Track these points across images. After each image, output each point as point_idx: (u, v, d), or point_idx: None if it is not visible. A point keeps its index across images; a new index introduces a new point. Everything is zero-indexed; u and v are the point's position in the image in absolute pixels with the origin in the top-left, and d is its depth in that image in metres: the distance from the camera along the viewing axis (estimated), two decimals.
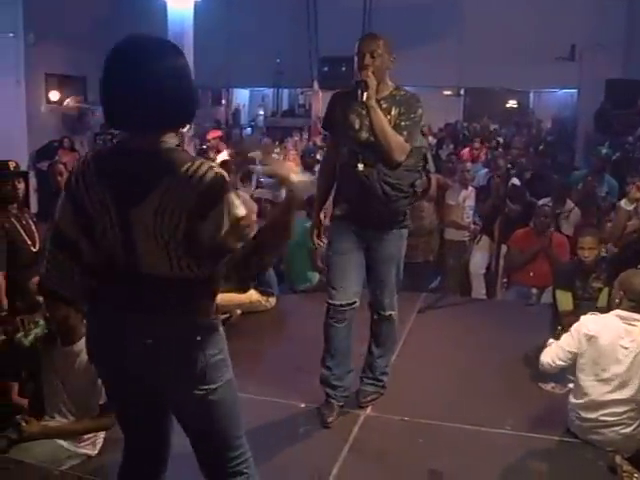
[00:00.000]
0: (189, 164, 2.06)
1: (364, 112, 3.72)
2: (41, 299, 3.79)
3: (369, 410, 4.20)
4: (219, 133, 12.28)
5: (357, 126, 3.79)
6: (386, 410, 4.21)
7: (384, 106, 3.74)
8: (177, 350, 2.19)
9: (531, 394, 4.45)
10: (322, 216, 4.18)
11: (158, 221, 2.07)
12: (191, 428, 2.42)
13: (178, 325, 2.19)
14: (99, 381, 3.49)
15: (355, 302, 3.98)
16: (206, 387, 2.27)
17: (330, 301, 4.01)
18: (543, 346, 4.20)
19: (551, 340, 4.17)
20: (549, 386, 4.48)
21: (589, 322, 3.90)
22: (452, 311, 6.15)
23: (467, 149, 12.37)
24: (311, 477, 3.48)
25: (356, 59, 3.76)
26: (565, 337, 3.96)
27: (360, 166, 3.75)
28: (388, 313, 4.14)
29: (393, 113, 3.74)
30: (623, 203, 5.31)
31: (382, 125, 3.64)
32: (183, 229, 2.07)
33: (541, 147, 13.60)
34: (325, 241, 4.17)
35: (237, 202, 2.11)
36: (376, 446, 3.84)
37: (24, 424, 3.41)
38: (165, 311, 2.18)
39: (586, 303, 5.01)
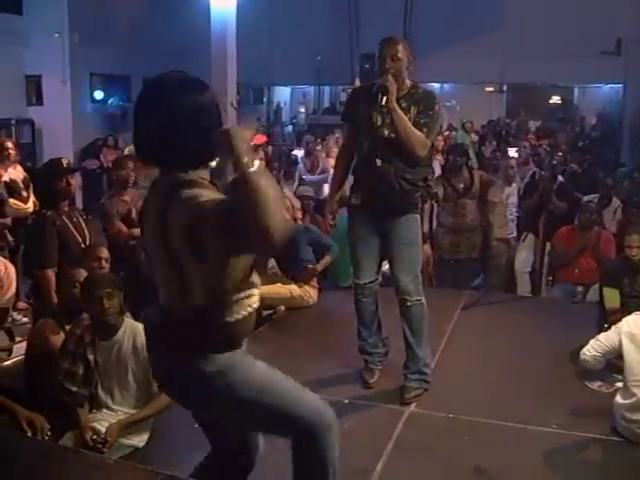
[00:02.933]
0: (187, 192, 2.08)
1: (385, 110, 3.97)
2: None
3: (413, 407, 4.20)
4: (264, 139, 12.30)
5: (379, 123, 4.03)
6: (430, 407, 4.21)
7: (403, 105, 3.97)
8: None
9: (577, 393, 4.40)
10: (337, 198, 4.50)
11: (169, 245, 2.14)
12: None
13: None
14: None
15: (377, 279, 4.39)
16: (230, 407, 2.39)
17: (356, 281, 4.39)
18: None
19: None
20: (596, 385, 4.43)
21: (630, 321, 3.88)
22: (496, 308, 6.11)
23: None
24: (355, 473, 3.49)
25: (377, 63, 4.03)
26: (606, 333, 3.97)
27: (378, 162, 4.02)
28: (415, 299, 4.27)
29: (412, 112, 3.99)
30: None
31: (404, 125, 3.91)
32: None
33: (581, 143, 13.40)
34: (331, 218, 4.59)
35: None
36: (420, 443, 3.83)
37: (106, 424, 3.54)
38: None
39: (634, 301, 4.95)
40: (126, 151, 11.49)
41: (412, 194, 4.12)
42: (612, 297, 5.08)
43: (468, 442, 3.86)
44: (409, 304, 4.28)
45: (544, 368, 4.79)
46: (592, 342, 4.02)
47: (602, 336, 3.97)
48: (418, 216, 4.29)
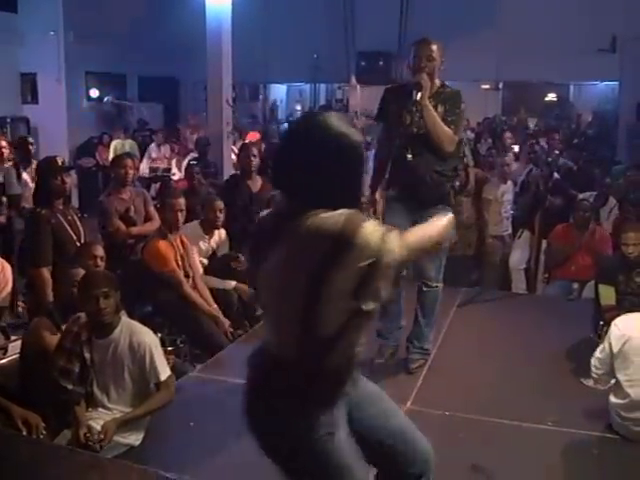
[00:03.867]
0: (308, 223, 1.99)
1: (414, 109, 4.26)
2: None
3: (409, 404, 4.20)
4: (258, 136, 12.31)
5: (408, 121, 4.31)
6: (427, 404, 4.21)
7: (432, 103, 4.23)
8: None
9: (572, 390, 4.41)
10: (377, 196, 4.67)
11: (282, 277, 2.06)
12: None
13: None
14: (147, 365, 3.59)
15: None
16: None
17: None
18: (585, 341, 4.17)
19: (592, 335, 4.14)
20: (591, 382, 4.42)
21: (620, 323, 3.87)
22: (492, 306, 6.12)
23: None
24: None
25: (412, 61, 4.29)
26: (600, 346, 3.94)
27: (409, 156, 4.28)
28: (435, 285, 4.54)
29: (439, 110, 4.25)
30: None
31: (434, 121, 4.19)
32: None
33: (576, 140, 13.40)
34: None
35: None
36: None
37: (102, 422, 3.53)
38: None
39: (629, 298, 4.97)
40: (112, 147, 11.52)
41: (442, 185, 4.38)
42: (607, 294, 5.09)
43: (464, 440, 3.86)
44: (427, 289, 4.55)
45: (539, 365, 4.80)
46: (593, 361, 3.98)
47: (598, 351, 3.95)
48: (449, 209, 4.22)
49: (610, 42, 13.75)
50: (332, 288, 1.96)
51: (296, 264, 2.00)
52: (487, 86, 16.46)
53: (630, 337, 3.74)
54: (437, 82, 4.33)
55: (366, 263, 1.95)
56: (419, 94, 4.15)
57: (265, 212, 2.34)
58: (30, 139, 8.12)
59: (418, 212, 4.20)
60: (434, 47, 4.28)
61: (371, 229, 1.97)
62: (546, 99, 18.42)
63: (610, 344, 3.81)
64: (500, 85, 16.58)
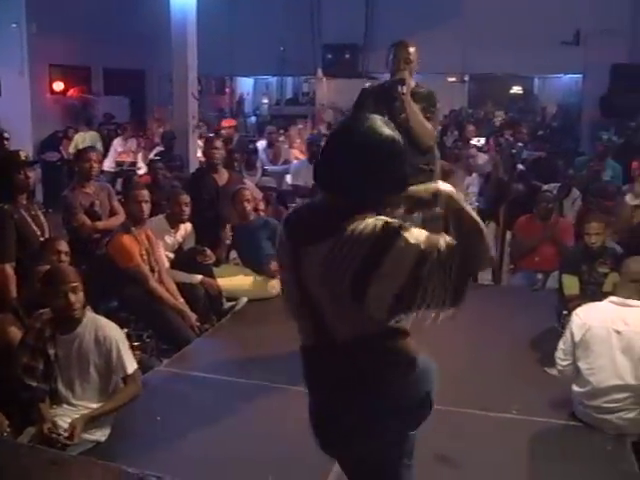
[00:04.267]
0: (361, 223, 2.05)
1: (395, 105, 4.43)
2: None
3: None
4: (233, 122, 12.29)
5: (387, 117, 4.20)
6: None
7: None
8: None
9: (537, 379, 4.46)
10: None
11: (333, 271, 2.06)
12: None
13: None
14: (114, 359, 3.56)
15: None
16: None
17: None
18: (549, 330, 4.22)
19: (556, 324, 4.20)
20: (555, 370, 4.47)
21: (581, 312, 3.93)
22: None
23: None
24: (316, 467, 3.50)
25: (392, 62, 4.55)
26: (562, 338, 3.99)
27: None
28: None
29: (417, 108, 4.41)
30: (628, 198, 5.30)
31: (416, 114, 4.38)
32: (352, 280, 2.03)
33: (541, 132, 13.52)
34: None
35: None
36: None
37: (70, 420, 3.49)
38: None
39: (592, 288, 5.04)
40: (73, 140, 11.37)
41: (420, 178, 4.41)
42: (571, 284, 5.16)
43: (431, 430, 3.87)
44: None
45: (505, 355, 4.85)
46: (557, 354, 4.01)
47: (561, 342, 3.99)
48: None
49: (574, 35, 13.90)
50: (376, 289, 2.02)
51: (342, 264, 2.04)
52: (453, 79, 16.54)
53: (590, 326, 3.80)
54: (412, 83, 4.54)
55: (412, 264, 1.99)
56: (404, 87, 4.40)
57: (300, 204, 2.44)
58: (6, 134, 7.85)
59: None
60: (411, 50, 4.55)
61: (414, 233, 2.04)
62: (511, 92, 18.58)
63: (572, 334, 3.87)
64: (466, 78, 16.67)
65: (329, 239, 2.06)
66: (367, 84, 4.96)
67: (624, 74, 12.37)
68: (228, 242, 6.23)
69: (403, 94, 4.42)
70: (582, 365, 3.83)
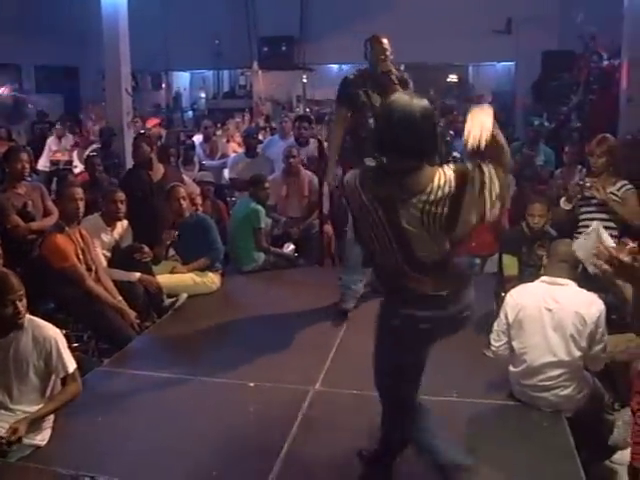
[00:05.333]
0: (440, 172, 2.84)
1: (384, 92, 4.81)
2: None
3: (318, 385, 4.25)
4: (157, 120, 12.17)
5: (378, 104, 4.92)
6: (335, 385, 4.26)
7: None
8: None
9: (476, 361, 4.52)
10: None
11: (428, 215, 2.80)
12: None
13: None
14: (53, 359, 3.49)
15: None
16: None
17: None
18: (487, 314, 4.29)
19: (495, 306, 4.27)
20: (490, 353, 4.56)
21: (514, 293, 4.02)
22: None
23: None
24: (262, 455, 3.51)
25: (370, 55, 5.23)
26: (497, 320, 4.07)
27: None
28: None
29: None
30: (562, 203, 5.42)
31: None
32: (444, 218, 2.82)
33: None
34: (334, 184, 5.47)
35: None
36: (326, 421, 3.88)
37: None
38: None
39: (530, 270, 5.12)
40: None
41: None
42: (510, 264, 5.25)
43: (374, 417, 3.92)
44: None
45: (444, 340, 4.90)
46: (491, 335, 4.09)
47: (495, 324, 4.07)
48: None
49: (505, 24, 14.12)
50: (463, 217, 2.82)
51: (437, 208, 2.80)
52: None
53: (523, 306, 3.90)
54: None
55: (479, 190, 2.81)
56: (393, 77, 5.05)
57: (364, 168, 2.95)
58: None
59: None
60: (385, 41, 5.23)
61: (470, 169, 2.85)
62: (448, 80, 18.77)
63: (506, 314, 3.96)
64: (402, 67, 16.78)
65: (423, 193, 2.79)
66: (350, 75, 5.45)
67: (554, 60, 12.62)
68: (169, 241, 6.17)
69: (395, 84, 4.95)
70: (516, 345, 3.91)
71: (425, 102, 2.88)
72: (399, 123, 2.84)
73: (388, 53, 5.20)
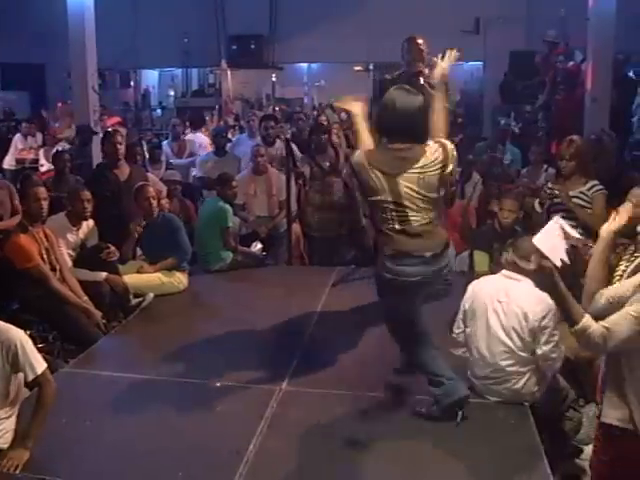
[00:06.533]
0: (429, 147, 3.72)
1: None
2: None
3: (285, 385, 4.24)
4: (117, 119, 12.07)
5: None
6: (302, 384, 4.26)
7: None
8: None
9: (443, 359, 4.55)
10: None
11: (423, 180, 3.65)
12: None
13: None
14: (21, 361, 3.42)
15: None
16: None
17: None
18: (455, 312, 4.32)
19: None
20: (460, 351, 4.57)
21: (474, 283, 4.15)
22: (365, 283, 6.20)
23: None
24: (228, 455, 3.50)
25: (407, 56, 5.45)
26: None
27: None
28: None
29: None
30: (536, 206, 5.47)
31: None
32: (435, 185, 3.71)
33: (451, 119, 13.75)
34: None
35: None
36: (293, 420, 3.88)
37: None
38: None
39: (501, 268, 5.15)
40: None
41: None
42: (481, 261, 5.30)
43: (340, 416, 3.94)
44: None
45: None
46: (455, 324, 4.20)
47: (459, 315, 4.17)
48: None
49: (473, 24, 14.20)
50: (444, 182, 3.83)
51: (431, 174, 3.67)
52: (359, 67, 16.68)
53: (477, 296, 4.02)
54: (426, 71, 5.22)
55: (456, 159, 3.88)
56: (422, 79, 5.15)
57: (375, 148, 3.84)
58: None
59: None
60: (421, 41, 5.44)
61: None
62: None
63: (464, 303, 4.09)
64: (371, 67, 16.82)
65: (419, 166, 3.64)
66: (387, 75, 5.68)
67: (522, 60, 12.70)
68: (137, 234, 6.12)
69: (422, 85, 5.02)
70: (468, 332, 4.04)
71: (419, 96, 3.80)
72: (400, 111, 3.71)
73: (423, 54, 5.37)
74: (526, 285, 3.86)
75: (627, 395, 2.82)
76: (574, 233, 3.13)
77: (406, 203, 3.63)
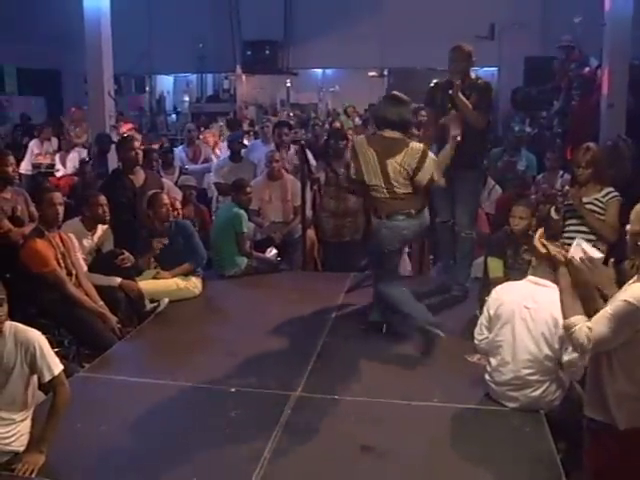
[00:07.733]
0: (412, 144, 4.88)
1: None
2: None
3: (299, 391, 4.24)
4: (130, 125, 12.12)
5: (449, 106, 5.62)
6: (316, 390, 4.26)
7: (467, 92, 5.56)
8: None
9: (458, 366, 4.54)
10: None
11: (403, 165, 4.80)
12: None
13: None
14: (38, 361, 3.43)
15: (449, 220, 5.97)
16: None
17: (437, 219, 5.93)
18: (470, 319, 4.31)
19: (478, 312, 4.29)
20: (475, 358, 4.57)
21: (499, 289, 4.11)
22: None
23: None
24: (244, 461, 3.50)
25: (450, 65, 5.66)
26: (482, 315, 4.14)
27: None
28: (467, 232, 5.86)
29: (473, 97, 5.58)
30: (552, 213, 5.46)
31: (464, 106, 5.53)
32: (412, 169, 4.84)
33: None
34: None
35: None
36: (308, 426, 3.87)
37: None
38: None
39: (516, 272, 5.09)
40: None
41: (471, 154, 5.57)
42: (496, 267, 5.27)
43: (355, 422, 3.93)
44: (463, 235, 5.85)
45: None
46: (476, 329, 4.15)
47: (481, 318, 4.14)
48: (478, 172, 6.06)
49: (488, 29, 14.17)
50: (422, 173, 4.88)
51: (410, 163, 4.82)
52: (373, 73, 16.69)
53: (503, 301, 3.97)
54: (472, 75, 5.73)
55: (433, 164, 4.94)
56: (451, 90, 5.55)
57: (371, 134, 5.24)
58: None
59: (454, 176, 5.46)
60: (466, 53, 5.62)
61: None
62: (431, 85, 18.83)
63: (488, 308, 4.04)
64: (385, 72, 16.83)
65: (402, 153, 4.82)
66: (434, 80, 6.08)
67: (536, 66, 12.68)
68: (159, 250, 6.13)
69: (455, 95, 5.51)
70: (493, 338, 3.99)
71: (407, 98, 4.99)
72: (391, 108, 4.95)
73: (465, 63, 5.59)
74: (554, 291, 3.83)
75: (606, 392, 2.95)
76: (595, 253, 3.13)
77: (392, 175, 4.82)
